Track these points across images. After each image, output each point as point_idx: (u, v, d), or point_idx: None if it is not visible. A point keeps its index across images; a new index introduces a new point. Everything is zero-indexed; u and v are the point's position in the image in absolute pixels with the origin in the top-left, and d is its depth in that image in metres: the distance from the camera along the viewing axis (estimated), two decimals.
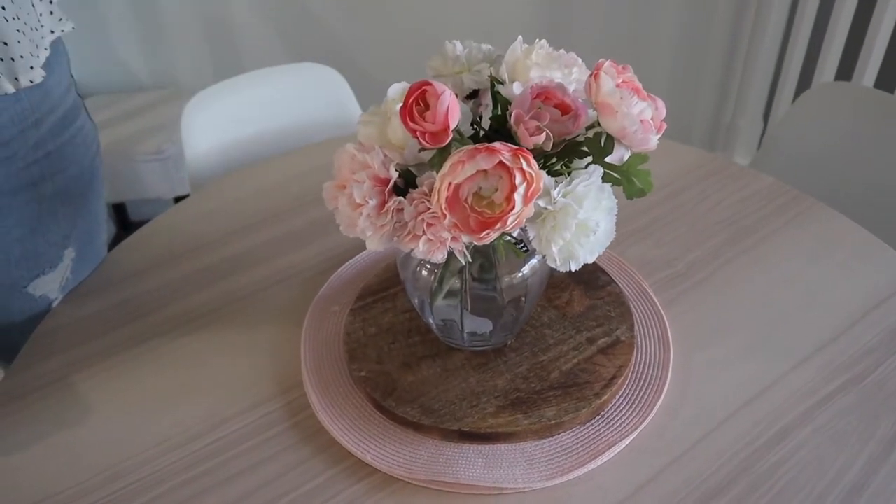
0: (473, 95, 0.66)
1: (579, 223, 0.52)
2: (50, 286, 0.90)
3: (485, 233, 0.50)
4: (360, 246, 0.92)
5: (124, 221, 2.35)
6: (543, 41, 0.63)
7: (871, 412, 0.69)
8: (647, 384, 0.72)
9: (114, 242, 1.38)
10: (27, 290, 0.88)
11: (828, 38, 1.90)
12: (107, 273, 0.95)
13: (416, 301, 0.73)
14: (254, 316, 0.85)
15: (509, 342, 0.75)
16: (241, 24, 2.10)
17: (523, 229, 0.57)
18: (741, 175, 1.06)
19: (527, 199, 0.49)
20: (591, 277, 0.83)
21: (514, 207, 0.48)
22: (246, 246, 0.97)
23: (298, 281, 0.90)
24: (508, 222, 0.49)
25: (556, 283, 0.82)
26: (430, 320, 0.73)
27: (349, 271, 0.89)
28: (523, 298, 0.71)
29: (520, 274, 0.68)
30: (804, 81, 2.07)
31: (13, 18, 0.77)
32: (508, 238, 0.65)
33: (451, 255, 0.59)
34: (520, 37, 0.64)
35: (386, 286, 0.83)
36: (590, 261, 0.55)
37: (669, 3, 2.18)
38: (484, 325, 0.73)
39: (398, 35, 2.11)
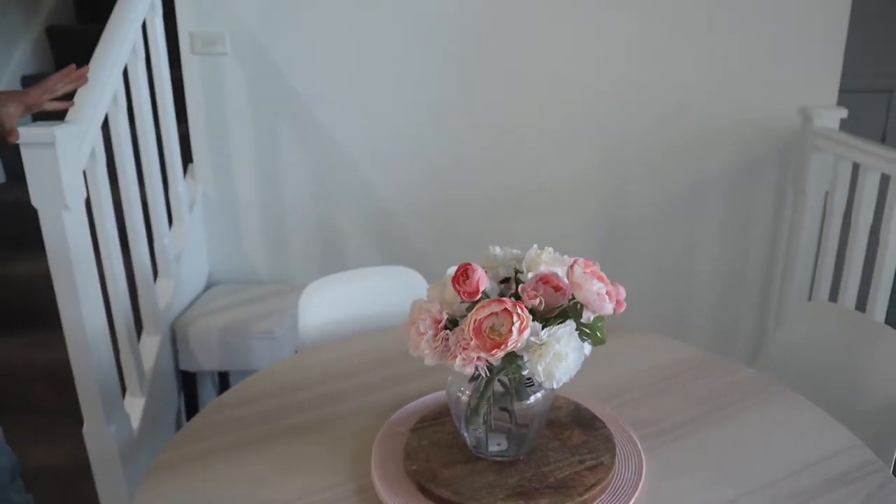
0: (506, 281, 1.02)
1: (556, 353, 0.84)
2: None
3: (495, 351, 0.83)
4: (420, 392, 1.24)
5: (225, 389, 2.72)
6: (550, 248, 0.99)
7: None
8: (619, 495, 0.98)
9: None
10: None
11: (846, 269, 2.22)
12: (238, 393, 1.29)
13: (456, 421, 1.04)
14: (341, 431, 1.16)
15: (521, 457, 1.04)
16: (344, 235, 2.59)
17: (525, 369, 0.89)
18: (729, 366, 1.35)
19: (520, 331, 0.82)
20: (590, 423, 1.12)
21: (511, 335, 0.81)
22: (338, 387, 1.31)
23: (375, 412, 1.22)
24: (509, 344, 0.82)
25: (562, 424, 1.11)
26: (465, 435, 1.04)
27: (412, 408, 1.21)
28: (530, 424, 1.01)
29: (527, 403, 0.99)
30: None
31: None
32: (520, 375, 0.97)
33: (484, 389, 0.92)
34: (535, 245, 1.00)
35: (437, 417, 1.14)
36: (564, 380, 0.86)
37: (710, 248, 2.57)
38: (502, 442, 1.02)
39: (466, 248, 2.54)
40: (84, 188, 1.81)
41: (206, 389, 2.64)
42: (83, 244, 1.81)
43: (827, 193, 2.42)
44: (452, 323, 0.91)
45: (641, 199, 2.54)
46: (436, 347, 0.89)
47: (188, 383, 2.45)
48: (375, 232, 2.60)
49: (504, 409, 1.01)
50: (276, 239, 2.63)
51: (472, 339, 0.84)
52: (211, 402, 1.28)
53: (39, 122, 1.73)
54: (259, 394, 1.31)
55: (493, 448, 1.02)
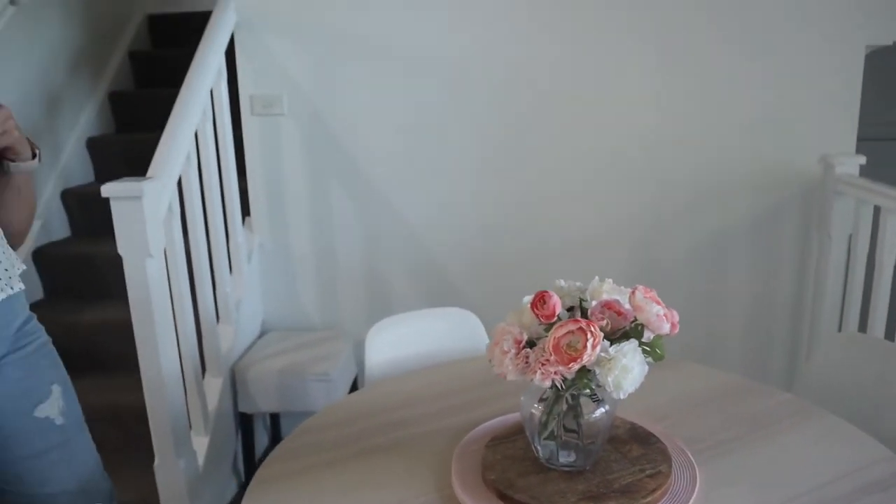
0: (571, 309, 1.15)
1: (623, 366, 0.98)
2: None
3: (571, 364, 0.96)
4: (487, 417, 1.37)
5: (276, 435, 2.86)
6: (610, 280, 1.13)
7: None
8: (678, 499, 1.10)
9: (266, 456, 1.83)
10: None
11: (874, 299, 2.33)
12: (319, 420, 1.43)
13: (530, 435, 1.17)
14: (418, 450, 1.29)
15: (587, 467, 1.16)
16: (391, 283, 2.75)
17: (596, 384, 1.03)
18: (766, 391, 1.47)
19: (593, 346, 0.96)
20: (646, 439, 1.24)
21: (586, 350, 0.95)
22: (410, 413, 1.44)
23: (448, 434, 1.35)
24: (584, 358, 0.95)
25: (621, 440, 1.24)
26: (538, 447, 1.16)
27: (483, 429, 1.33)
28: (595, 438, 1.14)
29: (593, 417, 1.12)
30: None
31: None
32: (587, 391, 1.10)
33: (554, 404, 1.05)
34: (596, 277, 1.14)
35: (508, 435, 1.27)
36: (630, 391, 0.99)
37: (740, 286, 2.69)
38: (570, 455, 1.15)
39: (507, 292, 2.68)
40: (163, 238, 1.98)
41: (259, 431, 2.77)
42: (162, 290, 1.97)
43: (851, 236, 2.54)
44: (530, 343, 1.05)
45: (672, 243, 2.68)
46: (517, 364, 1.02)
47: (245, 424, 2.58)
48: (420, 280, 2.75)
49: (572, 430, 1.14)
50: (327, 287, 2.79)
51: (551, 354, 0.97)
52: (296, 428, 1.41)
53: (127, 178, 1.91)
54: (338, 420, 1.44)
55: (563, 459, 1.15)
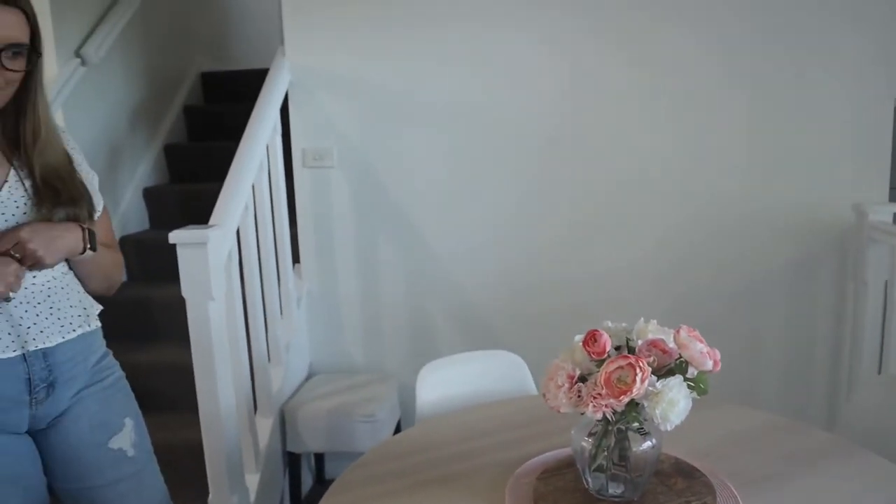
0: (618, 348, 1.24)
1: (669, 399, 1.05)
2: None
3: (622, 397, 1.04)
4: (537, 452, 1.44)
5: (320, 475, 2.93)
6: (654, 321, 1.21)
7: None
8: None
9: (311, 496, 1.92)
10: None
11: None
12: (375, 454, 1.51)
13: (580, 468, 1.24)
14: (473, 482, 1.37)
15: (635, 499, 1.22)
16: (434, 326, 2.84)
17: (644, 418, 1.10)
18: (806, 430, 1.52)
19: (642, 380, 1.03)
20: (690, 473, 1.30)
21: (636, 384, 1.03)
22: (462, 448, 1.52)
23: (500, 468, 1.42)
24: (633, 391, 1.03)
25: (666, 474, 1.30)
26: (588, 479, 1.23)
27: (534, 463, 1.40)
28: (643, 471, 1.20)
29: (640, 449, 1.19)
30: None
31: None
32: (635, 424, 1.17)
33: (601, 438, 1.13)
34: (641, 318, 1.22)
35: (558, 469, 1.34)
36: (677, 423, 1.07)
37: (776, 331, 2.74)
38: (619, 487, 1.22)
39: (544, 332, 2.75)
40: (224, 283, 2.10)
41: (304, 471, 2.85)
42: (221, 332, 2.08)
43: (886, 283, 2.59)
44: (582, 378, 1.13)
45: (710, 284, 2.75)
46: (570, 398, 1.10)
47: (292, 463, 2.66)
48: (461, 322, 2.84)
49: (621, 464, 1.21)
50: (371, 331, 2.89)
51: (603, 388, 1.05)
52: (353, 463, 1.49)
53: (192, 226, 2.04)
54: (393, 455, 1.52)
55: (612, 491, 1.22)
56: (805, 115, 2.63)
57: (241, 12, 4.51)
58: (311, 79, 2.72)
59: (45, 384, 1.34)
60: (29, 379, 1.32)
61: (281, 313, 2.68)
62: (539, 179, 2.74)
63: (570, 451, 1.29)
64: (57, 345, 1.36)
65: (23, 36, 1.24)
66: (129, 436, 1.50)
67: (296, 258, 2.87)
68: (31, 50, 1.27)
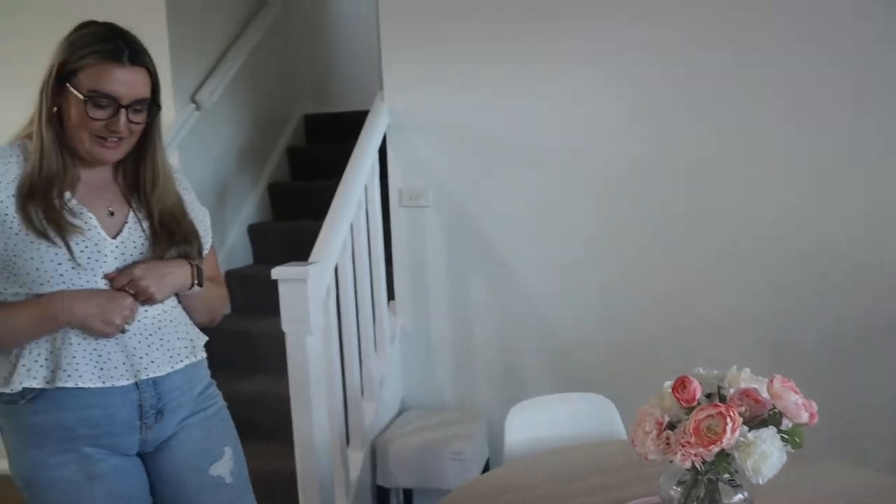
0: (709, 395, 1.22)
1: (762, 452, 1.03)
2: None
3: (711, 447, 1.03)
4: (631, 496, 1.43)
5: None
6: (748, 369, 1.19)
7: None
8: None
9: None
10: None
11: None
12: (469, 489, 1.53)
13: None
14: None
15: None
16: (523, 364, 2.85)
17: (735, 469, 1.08)
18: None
19: (733, 431, 1.02)
20: None
21: (726, 434, 1.02)
22: (553, 491, 1.52)
23: None
24: (724, 441, 1.02)
25: None
26: None
27: None
28: None
29: (731, 502, 1.16)
30: None
31: None
32: (726, 476, 1.15)
33: (691, 488, 1.11)
34: (734, 366, 1.20)
35: None
36: (769, 476, 1.04)
37: (881, 370, 2.60)
38: None
39: (632, 372, 2.70)
40: (322, 318, 2.19)
41: None
42: (318, 365, 2.16)
43: None
44: (671, 426, 1.13)
45: (816, 343, 2.63)
46: (658, 445, 1.10)
47: (381, 498, 2.70)
48: (551, 363, 2.84)
49: None
50: (462, 368, 2.92)
51: (692, 436, 1.04)
52: (441, 500, 1.51)
53: (293, 263, 2.14)
54: (483, 492, 1.54)
55: None
56: None
57: (343, 57, 4.70)
58: (408, 121, 2.81)
59: (154, 410, 1.44)
60: (140, 405, 1.42)
61: (375, 349, 2.75)
62: (632, 220, 2.72)
63: (658, 500, 1.27)
64: (166, 374, 1.46)
65: (146, 92, 1.37)
66: (228, 463, 1.58)
67: (391, 295, 2.94)
68: (152, 103, 1.40)
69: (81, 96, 1.31)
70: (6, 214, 1.31)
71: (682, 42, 2.63)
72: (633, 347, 2.76)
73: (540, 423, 1.89)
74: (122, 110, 1.33)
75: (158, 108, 1.42)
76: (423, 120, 2.81)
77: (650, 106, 2.68)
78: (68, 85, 1.32)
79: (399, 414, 2.93)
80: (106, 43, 1.32)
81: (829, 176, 2.58)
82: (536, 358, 2.85)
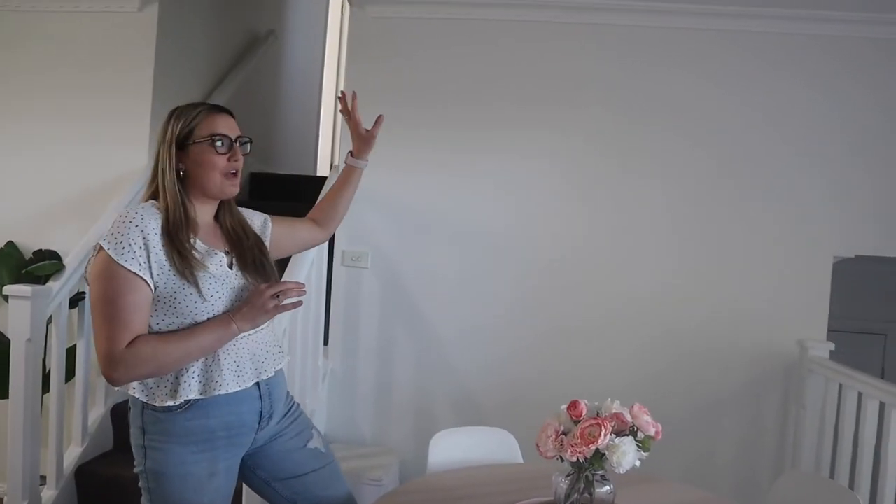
0: (594, 415, 1.73)
1: (622, 451, 1.54)
2: None
3: (591, 445, 1.53)
4: (533, 496, 1.90)
5: None
6: (618, 402, 1.71)
7: None
8: None
9: None
10: None
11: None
12: (409, 487, 1.97)
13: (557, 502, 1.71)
14: None
15: None
16: (434, 406, 3.30)
17: (605, 468, 1.59)
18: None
19: (605, 435, 1.53)
20: None
21: (601, 437, 1.52)
22: (468, 493, 1.97)
23: None
24: (599, 442, 1.52)
25: None
26: None
27: (527, 501, 1.87)
28: None
29: (601, 491, 1.66)
30: None
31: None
32: (600, 471, 1.65)
33: (574, 481, 1.62)
34: (609, 398, 1.72)
35: None
36: (627, 468, 1.55)
37: (730, 441, 3.21)
38: None
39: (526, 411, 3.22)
40: None
41: None
42: None
43: (822, 407, 3.09)
44: (564, 433, 1.62)
45: (676, 402, 3.23)
46: (556, 445, 1.59)
47: None
48: (458, 404, 3.32)
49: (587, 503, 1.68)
50: (382, 409, 3.35)
51: (578, 439, 1.54)
52: (385, 494, 1.95)
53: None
54: (417, 490, 1.98)
55: None
56: (764, 265, 3.23)
57: (287, 127, 5.18)
58: (357, 193, 3.28)
59: (268, 415, 1.81)
60: (261, 411, 1.79)
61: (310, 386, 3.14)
62: (536, 284, 3.30)
63: (551, 499, 1.75)
64: (274, 375, 1.82)
65: (238, 131, 1.77)
66: (318, 439, 2.00)
67: (325, 341, 3.36)
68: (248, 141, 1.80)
69: (205, 141, 1.69)
70: (164, 259, 1.61)
71: (582, 149, 3.28)
72: (526, 392, 3.28)
73: (456, 447, 2.35)
74: (235, 144, 1.73)
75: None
76: (369, 192, 3.29)
77: (555, 200, 3.29)
78: (189, 146, 1.69)
79: None
80: (200, 105, 1.74)
81: (696, 269, 3.24)
82: (446, 400, 3.32)
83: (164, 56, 3.48)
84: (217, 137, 1.70)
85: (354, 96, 2.15)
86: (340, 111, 2.20)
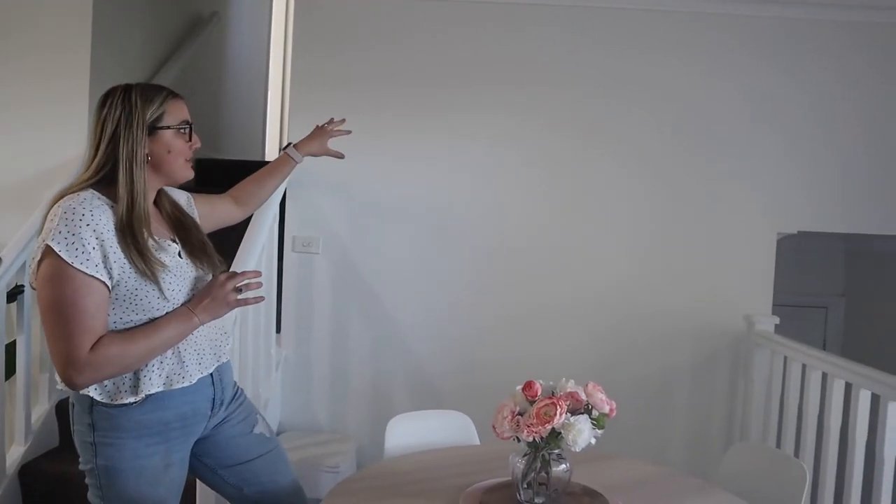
0: (549, 394, 1.73)
1: (578, 429, 1.55)
2: None
3: (547, 425, 1.53)
4: (489, 477, 1.90)
5: None
6: (573, 381, 1.72)
7: None
8: None
9: None
10: None
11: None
12: (365, 473, 1.95)
13: (515, 483, 1.71)
14: (437, 495, 1.82)
15: None
16: (390, 391, 3.29)
17: (561, 448, 1.60)
18: (682, 476, 2.03)
19: (560, 415, 1.53)
20: (593, 493, 1.78)
21: (556, 417, 1.53)
22: (425, 475, 1.97)
23: (455, 487, 1.87)
24: (554, 421, 1.53)
25: (578, 495, 1.78)
26: (520, 492, 1.70)
27: (481, 485, 1.86)
28: (559, 487, 1.69)
29: (557, 470, 1.67)
30: None
31: None
32: (556, 450, 1.66)
33: (531, 461, 1.62)
34: (563, 378, 1.73)
35: (501, 488, 1.81)
36: (583, 446, 1.56)
37: (683, 401, 3.28)
38: (541, 498, 1.69)
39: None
40: None
41: None
42: None
43: (768, 379, 3.17)
44: (520, 413, 1.62)
45: (629, 378, 3.28)
46: (512, 426, 1.59)
47: None
48: (415, 387, 3.31)
49: (542, 483, 1.69)
50: (337, 396, 3.33)
51: (534, 418, 1.55)
52: (341, 481, 1.93)
53: None
54: (376, 475, 1.97)
55: (536, 501, 1.69)
56: (713, 244, 3.29)
57: (233, 112, 5.08)
58: (307, 177, 3.24)
59: (219, 402, 1.80)
60: (213, 399, 1.77)
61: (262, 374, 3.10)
62: (491, 267, 3.31)
63: (508, 479, 1.76)
64: (227, 361, 1.83)
65: None
66: (264, 424, 1.99)
67: (279, 328, 3.31)
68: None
69: (175, 129, 1.64)
70: (123, 259, 1.55)
71: (539, 132, 3.28)
72: (485, 376, 3.28)
73: (413, 431, 2.34)
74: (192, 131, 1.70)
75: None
76: (319, 177, 3.25)
77: (510, 183, 3.28)
78: (159, 130, 1.62)
79: (277, 435, 3.27)
80: (162, 90, 1.68)
81: (647, 253, 3.28)
82: (402, 385, 3.31)
83: (101, 36, 3.35)
84: (183, 125, 1.68)
85: (343, 121, 2.45)
86: (321, 125, 2.39)
